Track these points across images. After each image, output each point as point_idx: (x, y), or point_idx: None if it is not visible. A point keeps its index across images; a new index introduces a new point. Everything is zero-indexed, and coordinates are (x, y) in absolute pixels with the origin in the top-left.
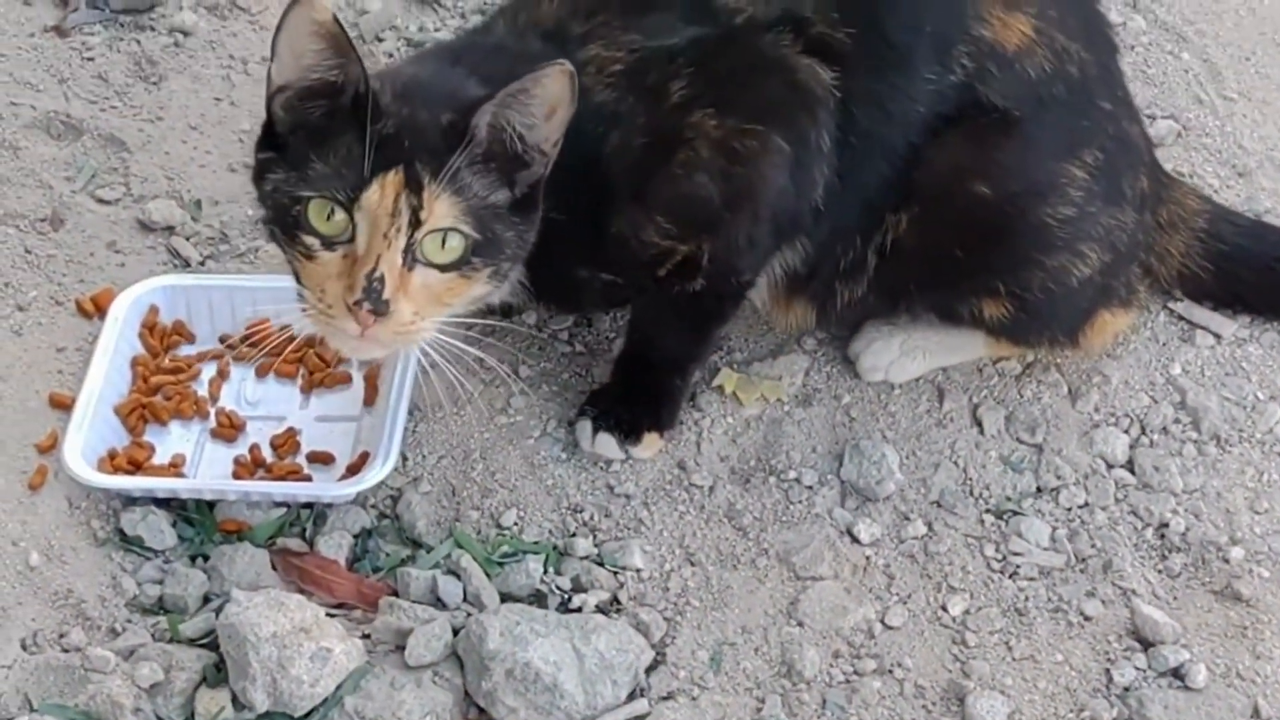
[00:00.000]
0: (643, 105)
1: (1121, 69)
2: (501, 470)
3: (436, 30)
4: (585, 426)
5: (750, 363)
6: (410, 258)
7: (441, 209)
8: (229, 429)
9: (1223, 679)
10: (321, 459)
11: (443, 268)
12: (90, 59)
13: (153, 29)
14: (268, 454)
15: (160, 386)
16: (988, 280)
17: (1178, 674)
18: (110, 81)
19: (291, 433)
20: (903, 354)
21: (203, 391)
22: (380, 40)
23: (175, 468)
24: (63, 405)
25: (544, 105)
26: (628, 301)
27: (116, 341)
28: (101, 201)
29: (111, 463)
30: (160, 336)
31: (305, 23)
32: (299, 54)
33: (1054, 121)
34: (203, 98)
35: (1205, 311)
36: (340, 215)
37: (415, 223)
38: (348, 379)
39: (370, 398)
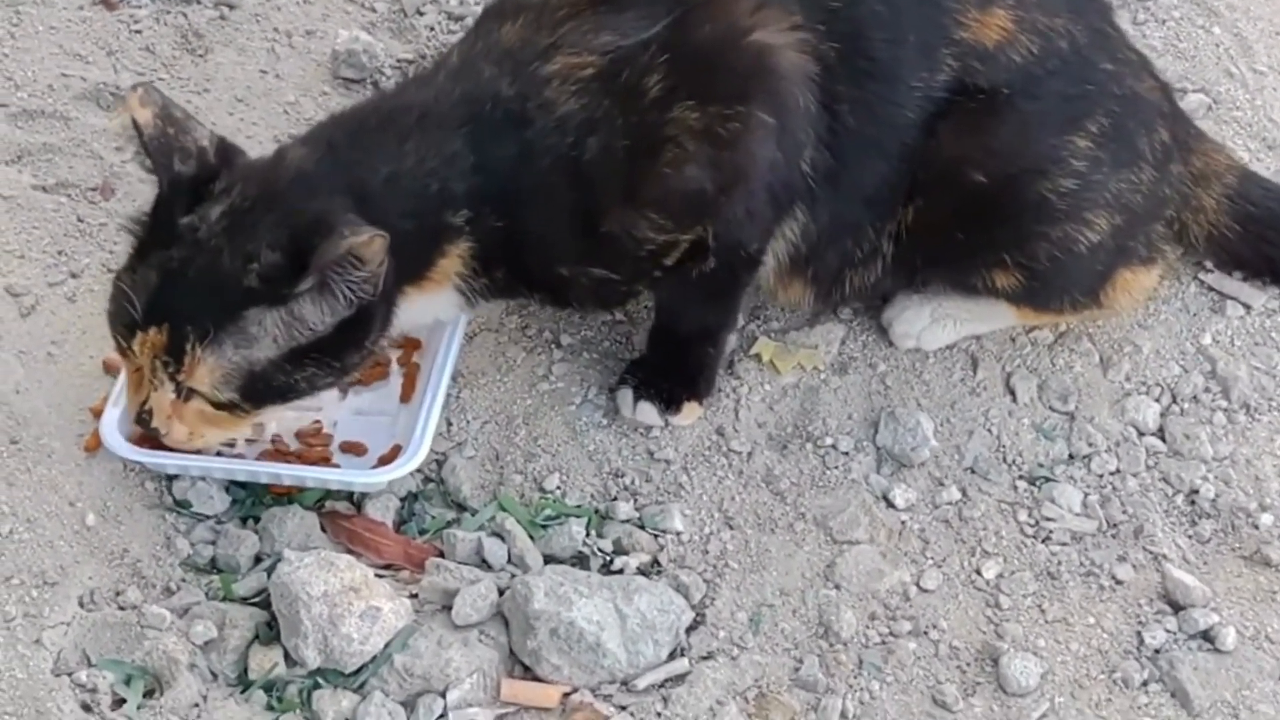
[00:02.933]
0: (619, 107)
1: (1120, 27)
2: (544, 435)
3: (476, 3)
4: (626, 395)
5: (787, 331)
6: (184, 392)
7: (201, 373)
8: None
9: (1251, 641)
10: (354, 449)
11: (217, 405)
12: (138, 31)
13: (199, 2)
14: (291, 443)
15: None
16: (994, 254)
17: (1207, 636)
18: (157, 54)
19: (318, 425)
20: (933, 321)
21: None
22: (421, 14)
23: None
24: (116, 370)
25: (367, 267)
26: (626, 299)
27: None
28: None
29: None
30: None
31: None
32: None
33: (1048, 98)
34: (248, 70)
35: (1235, 282)
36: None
37: (176, 378)
38: (385, 375)
39: (407, 394)
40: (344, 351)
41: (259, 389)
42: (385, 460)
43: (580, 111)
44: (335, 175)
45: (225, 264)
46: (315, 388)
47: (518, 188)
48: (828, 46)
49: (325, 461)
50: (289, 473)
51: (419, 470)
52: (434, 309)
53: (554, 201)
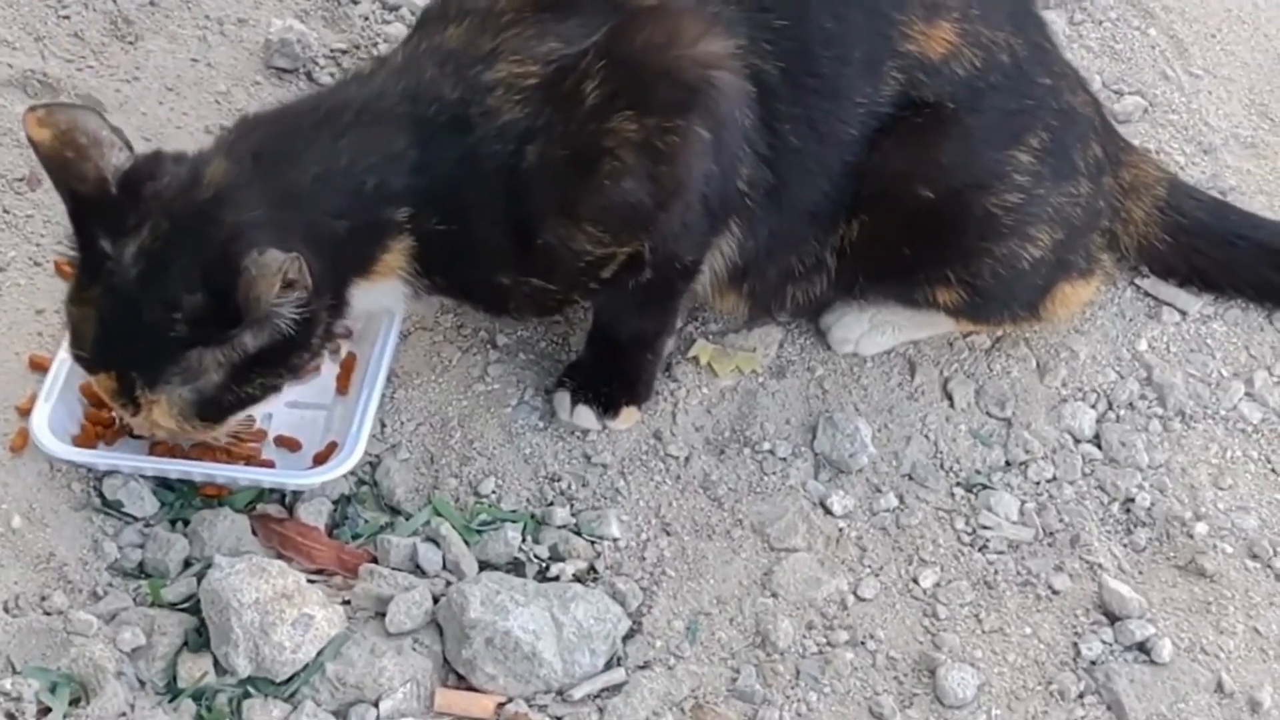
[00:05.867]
0: (559, 115)
1: (1055, 42)
2: (479, 438)
3: None
4: (563, 398)
5: (725, 334)
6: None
7: (159, 411)
8: None
9: (1187, 653)
10: (288, 444)
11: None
12: (66, 17)
13: None
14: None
15: None
16: (937, 270)
17: (1143, 648)
18: (86, 40)
19: (250, 419)
20: (872, 327)
21: None
22: (355, 2)
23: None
24: (42, 367)
25: (297, 291)
26: (563, 307)
27: None
28: None
29: (80, 430)
30: None
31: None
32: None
33: (992, 111)
34: (179, 58)
35: (1171, 288)
36: None
37: (136, 414)
38: (317, 367)
39: (343, 386)
40: (289, 357)
41: (214, 410)
42: (321, 457)
43: (522, 120)
44: (254, 188)
45: (147, 317)
46: (271, 390)
47: (459, 193)
48: (772, 65)
49: (254, 457)
50: (223, 473)
51: (352, 473)
52: (383, 298)
53: (493, 210)
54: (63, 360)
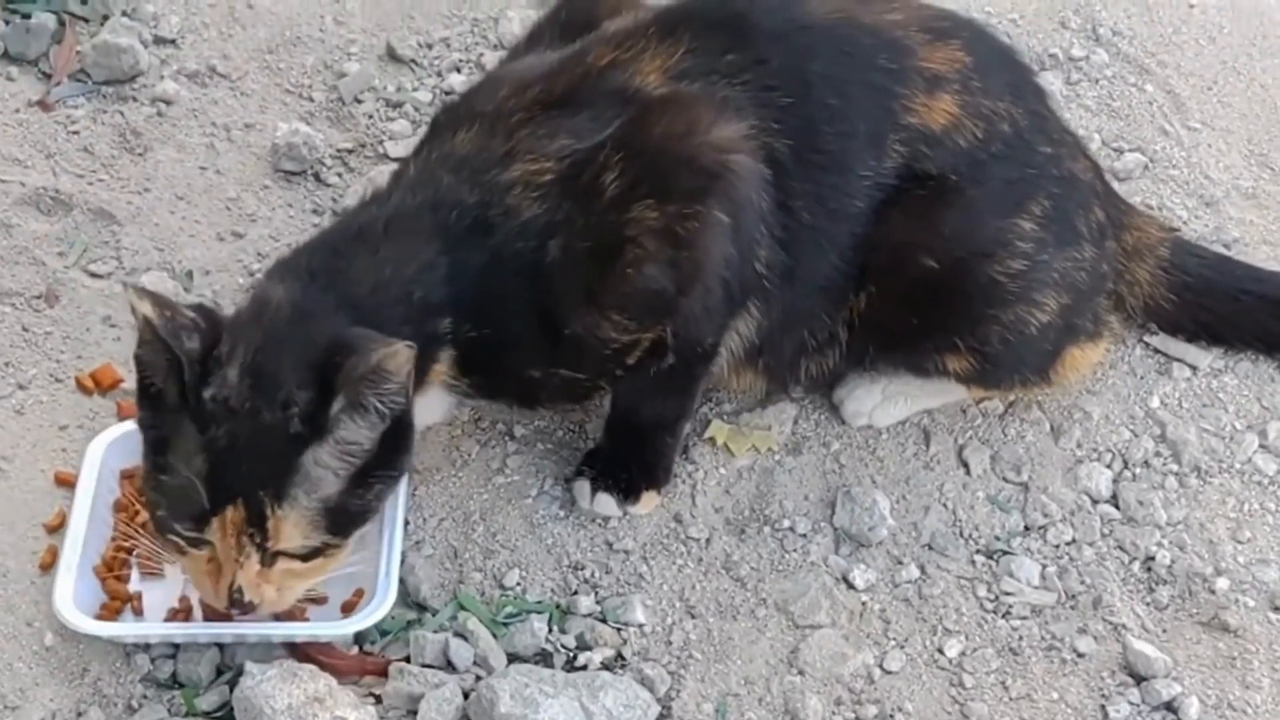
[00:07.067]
0: (579, 208)
1: (1054, 109)
2: (502, 530)
3: (414, 89)
4: (584, 486)
5: (739, 413)
6: (269, 559)
7: (288, 530)
8: None
9: (1214, 710)
10: (313, 599)
11: (305, 557)
12: (75, 132)
13: (135, 99)
14: None
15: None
16: (946, 339)
17: (1171, 707)
18: (96, 154)
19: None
20: (885, 399)
21: None
22: (359, 102)
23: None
24: (68, 483)
25: (395, 378)
26: (592, 395)
27: (95, 490)
28: (94, 276)
29: (103, 608)
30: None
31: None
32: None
33: (995, 181)
34: (188, 167)
35: (1180, 344)
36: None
37: (264, 545)
38: None
39: None
40: (396, 459)
41: (341, 520)
42: (349, 606)
43: (542, 216)
44: (327, 299)
45: (268, 420)
46: (384, 499)
47: (487, 294)
48: (781, 144)
49: (298, 614)
50: (254, 631)
51: None
52: (430, 409)
53: (521, 306)
54: (75, 539)
